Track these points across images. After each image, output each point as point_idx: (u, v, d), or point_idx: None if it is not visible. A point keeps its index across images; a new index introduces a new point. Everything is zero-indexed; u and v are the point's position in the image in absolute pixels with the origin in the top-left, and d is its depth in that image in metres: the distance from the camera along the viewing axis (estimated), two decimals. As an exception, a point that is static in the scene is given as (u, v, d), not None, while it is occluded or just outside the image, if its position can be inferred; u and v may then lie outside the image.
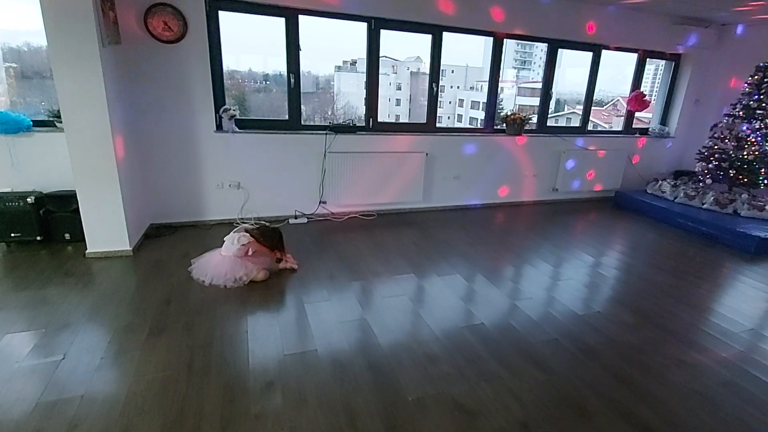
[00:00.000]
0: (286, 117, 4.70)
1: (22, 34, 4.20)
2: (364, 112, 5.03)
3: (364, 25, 4.68)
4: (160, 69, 4.02)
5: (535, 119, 5.92)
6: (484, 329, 2.88)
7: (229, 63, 4.40)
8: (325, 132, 4.72)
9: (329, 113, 6.43)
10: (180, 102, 4.16)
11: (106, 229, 3.64)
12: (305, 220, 4.82)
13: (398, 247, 4.23)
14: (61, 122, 3.48)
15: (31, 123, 3.84)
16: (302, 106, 4.73)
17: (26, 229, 3.73)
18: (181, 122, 4.21)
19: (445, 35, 4.97)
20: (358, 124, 4.98)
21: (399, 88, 8.96)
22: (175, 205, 4.40)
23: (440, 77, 5.23)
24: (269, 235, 3.55)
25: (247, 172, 4.56)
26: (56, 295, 3.05)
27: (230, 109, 4.33)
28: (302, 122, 4.74)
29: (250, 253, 3.41)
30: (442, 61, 5.14)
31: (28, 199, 3.68)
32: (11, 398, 2.10)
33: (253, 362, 2.44)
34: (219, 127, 4.38)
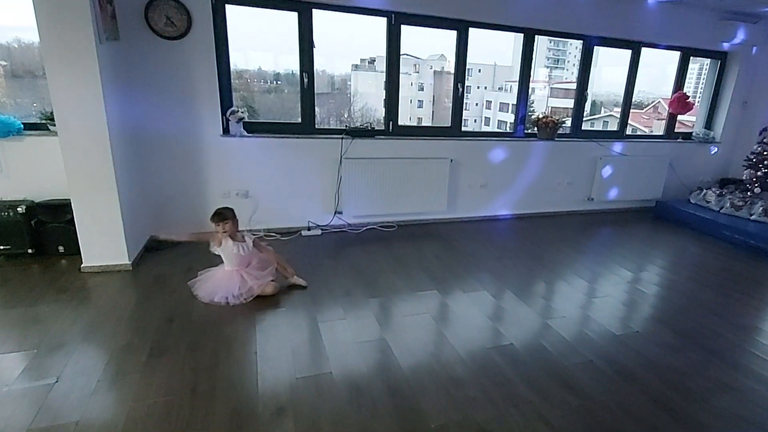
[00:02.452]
0: (299, 120, 4.69)
1: (12, 30, 4.21)
2: (384, 115, 5.01)
3: (383, 21, 4.67)
4: (162, 67, 4.02)
5: (569, 122, 5.87)
6: (513, 350, 2.86)
7: (236, 61, 4.41)
8: (341, 136, 4.70)
9: (345, 116, 6.41)
10: (183, 103, 4.16)
11: (103, 242, 3.62)
12: (319, 232, 4.79)
13: (420, 261, 4.20)
14: (54, 125, 3.48)
15: (22, 126, 3.84)
16: (316, 108, 4.72)
17: (16, 241, 3.73)
18: (184, 125, 4.21)
19: (472, 31, 4.95)
20: (376, 128, 4.95)
21: (421, 89, 8.94)
22: (177, 215, 4.38)
23: (466, 77, 5.20)
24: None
25: (255, 180, 4.54)
26: (49, 312, 3.03)
27: (238, 111, 4.32)
28: (316, 125, 4.73)
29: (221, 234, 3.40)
30: (469, 60, 5.11)
31: (19, 209, 3.68)
32: (1, 425, 2.07)
33: (262, 386, 2.41)
34: (226, 130, 4.37)
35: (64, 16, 3.13)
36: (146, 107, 4.04)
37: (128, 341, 2.74)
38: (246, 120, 4.42)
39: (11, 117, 3.80)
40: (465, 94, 5.23)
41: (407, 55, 5.38)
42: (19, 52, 4.32)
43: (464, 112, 5.30)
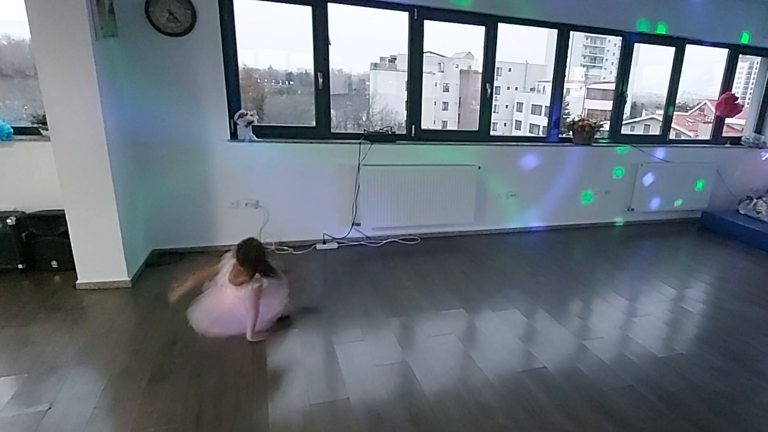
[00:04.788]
0: (313, 123, 4.66)
1: (1, 26, 4.21)
2: (405, 118, 4.97)
3: (405, 15, 4.62)
4: (164, 66, 4.00)
5: (607, 126, 5.79)
6: (546, 374, 2.82)
7: (245, 60, 4.40)
8: (359, 141, 4.66)
9: (364, 119, 6.38)
10: (188, 105, 4.13)
11: (99, 256, 3.58)
12: (335, 245, 4.75)
13: (445, 277, 4.16)
14: (46, 129, 3.47)
15: (12, 130, 3.82)
16: (332, 111, 4.69)
17: (5, 255, 3.72)
18: (188, 129, 4.18)
19: (501, 27, 4.89)
20: (397, 132, 4.92)
21: (446, 90, 8.90)
22: (181, 227, 4.34)
23: (495, 76, 5.14)
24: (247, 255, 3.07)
25: (266, 189, 4.51)
26: (41, 333, 3.00)
27: (247, 114, 4.29)
28: (332, 130, 4.69)
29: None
30: (498, 58, 5.06)
31: (8, 221, 3.67)
32: None
33: (273, 413, 2.38)
34: (234, 135, 4.34)
35: (57, 10, 3.10)
36: (147, 109, 4.01)
37: (127, 365, 2.71)
38: (256, 124, 4.38)
39: (0, 120, 3.80)
40: (494, 96, 5.17)
41: (431, 53, 5.35)
42: (8, 49, 4.33)
43: (493, 115, 5.24)
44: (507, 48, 5.03)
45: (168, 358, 2.78)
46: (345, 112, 5.91)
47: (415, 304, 3.61)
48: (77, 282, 3.60)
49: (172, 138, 4.14)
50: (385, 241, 4.94)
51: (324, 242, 4.76)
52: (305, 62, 4.54)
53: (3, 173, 3.84)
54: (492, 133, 5.25)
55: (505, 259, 4.68)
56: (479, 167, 5.04)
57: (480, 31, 4.85)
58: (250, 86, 4.94)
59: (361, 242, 4.87)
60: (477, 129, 5.20)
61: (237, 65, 4.29)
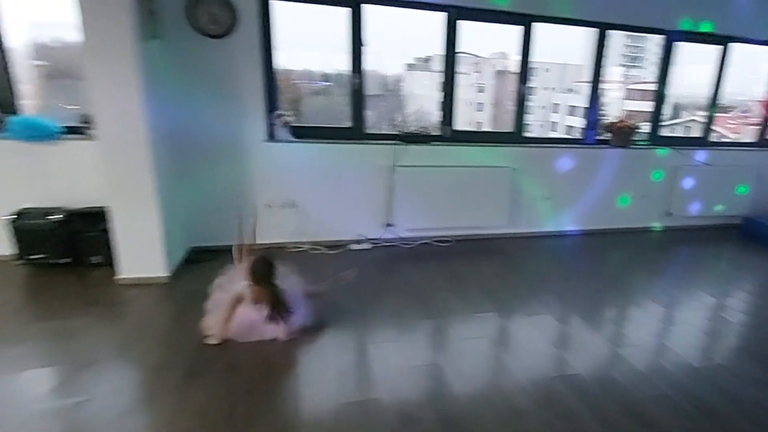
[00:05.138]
0: (348, 124, 4.64)
1: (53, 28, 4.29)
2: (440, 119, 4.90)
3: (440, 16, 4.57)
4: (204, 68, 4.03)
5: (646, 128, 5.60)
6: (580, 380, 2.78)
7: (283, 61, 4.38)
8: (393, 142, 4.63)
9: (398, 120, 6.32)
10: (226, 106, 4.15)
11: (139, 252, 3.63)
12: (369, 246, 4.73)
13: (478, 279, 4.10)
14: (92, 129, 3.51)
15: (60, 129, 3.91)
16: (367, 112, 4.67)
17: (51, 249, 3.76)
18: (227, 129, 4.20)
19: (538, 26, 4.79)
20: (432, 133, 4.87)
21: (481, 90, 8.76)
22: (218, 225, 4.34)
23: (531, 77, 5.04)
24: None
25: (301, 189, 4.50)
26: (82, 326, 3.06)
27: (284, 114, 4.31)
28: (367, 130, 4.67)
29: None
30: (534, 58, 4.96)
31: (54, 217, 3.74)
32: None
33: (304, 411, 2.41)
34: (270, 135, 4.35)
35: (106, 14, 3.15)
36: (187, 110, 4.05)
37: (163, 360, 2.74)
38: (292, 124, 4.39)
39: (49, 120, 3.88)
40: (529, 96, 5.08)
41: (466, 53, 5.25)
42: (59, 52, 4.42)
43: (528, 116, 5.14)
44: (544, 48, 4.91)
45: (202, 354, 2.80)
46: (380, 112, 5.86)
47: (448, 307, 3.57)
48: (117, 277, 3.65)
49: (211, 138, 4.17)
50: (418, 242, 4.89)
51: (358, 243, 4.74)
52: (341, 63, 4.52)
53: (52, 171, 3.92)
54: (526, 134, 5.14)
55: (538, 263, 4.60)
56: (513, 169, 4.95)
57: (516, 30, 4.75)
58: (288, 87, 4.93)
59: (395, 243, 4.82)
60: (511, 130, 5.10)
61: (275, 66, 4.30)
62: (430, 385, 2.65)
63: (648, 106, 5.65)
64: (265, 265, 2.95)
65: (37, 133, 3.79)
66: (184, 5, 3.84)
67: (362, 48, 4.41)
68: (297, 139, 4.39)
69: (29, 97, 4.15)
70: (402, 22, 4.78)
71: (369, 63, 4.50)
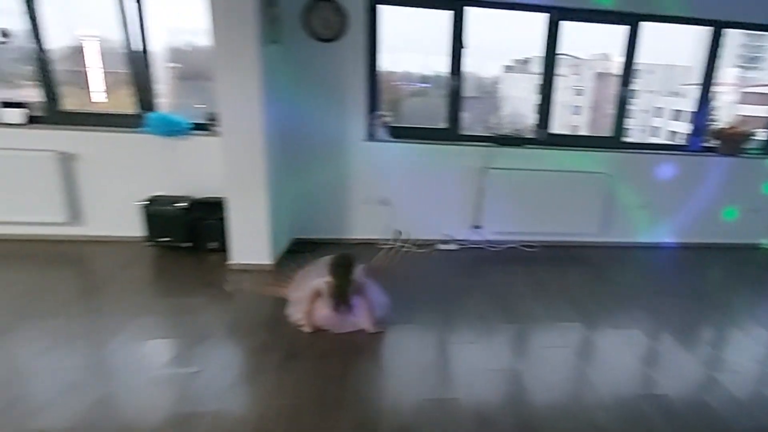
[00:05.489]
0: (444, 125, 4.68)
1: (186, 33, 4.71)
2: (535, 121, 4.82)
3: (542, 17, 4.47)
4: (313, 70, 4.22)
5: (762, 135, 5.14)
6: (668, 402, 2.62)
7: (385, 63, 4.49)
8: (486, 144, 4.60)
9: (493, 122, 6.28)
10: (331, 106, 4.33)
11: (249, 241, 3.88)
12: (455, 246, 4.71)
13: (564, 288, 3.99)
14: (217, 126, 3.79)
15: (190, 126, 4.24)
16: (463, 113, 4.68)
17: (177, 234, 4.11)
18: (330, 128, 4.38)
19: (645, 26, 4.54)
20: (525, 136, 4.79)
21: (579, 93, 8.40)
22: (318, 219, 4.57)
23: (634, 79, 4.80)
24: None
25: (395, 187, 4.59)
26: (198, 304, 3.35)
27: (383, 115, 4.43)
28: (461, 132, 4.68)
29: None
30: (638, 60, 4.72)
31: (181, 204, 4.08)
32: (149, 406, 2.36)
33: (387, 402, 2.49)
34: (370, 134, 4.48)
35: (234, 21, 3.40)
36: (297, 109, 4.24)
37: (265, 341, 2.94)
38: (390, 124, 4.50)
39: (180, 117, 4.23)
40: (631, 100, 4.85)
41: (566, 54, 5.10)
42: (191, 55, 4.83)
43: (628, 120, 4.91)
44: (649, 49, 4.65)
45: (299, 339, 2.97)
46: (475, 114, 5.83)
47: (531, 313, 3.52)
48: (229, 262, 3.93)
49: (316, 136, 4.35)
50: (504, 246, 4.79)
51: (444, 242, 4.74)
52: (440, 65, 4.56)
53: (180, 163, 4.25)
54: (625, 139, 4.92)
55: (630, 275, 4.39)
56: (609, 175, 4.75)
57: (621, 30, 4.53)
58: (388, 88, 5.06)
59: (481, 245, 4.76)
60: (609, 135, 4.91)
61: (378, 68, 4.41)
62: (508, 390, 2.64)
63: (765, 111, 5.18)
64: (343, 262, 3.06)
65: (171, 129, 4.13)
66: (301, 11, 4.03)
67: (462, 50, 4.42)
68: (394, 139, 4.49)
69: (164, 96, 4.53)
70: (502, 24, 4.74)
71: (468, 65, 4.53)
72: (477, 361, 2.87)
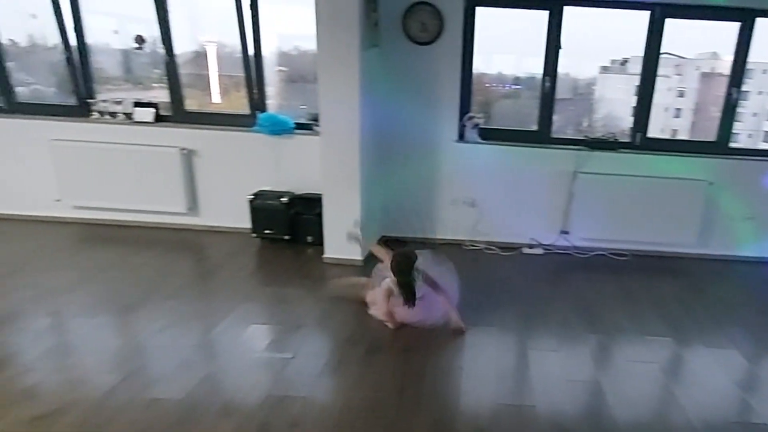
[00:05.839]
0: (534, 127, 4.59)
1: (293, 38, 4.96)
2: (631, 125, 4.61)
3: (644, 14, 4.24)
4: (409, 72, 4.30)
5: None
6: None
7: (478, 65, 4.48)
8: (578, 147, 4.45)
9: (585, 124, 6.05)
10: (425, 107, 4.38)
11: (342, 236, 3.94)
12: (541, 251, 4.61)
13: (655, 300, 3.80)
14: (318, 126, 3.98)
15: (294, 125, 4.47)
16: (554, 115, 4.57)
17: (278, 227, 4.32)
18: (423, 129, 4.43)
19: (762, 21, 4.16)
20: (620, 140, 4.58)
21: (681, 95, 7.77)
22: (406, 218, 4.59)
23: (745, 80, 4.45)
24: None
25: (482, 189, 4.56)
26: (294, 295, 3.57)
27: (475, 116, 4.41)
28: (552, 134, 4.58)
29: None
30: (753, 58, 4.34)
31: (283, 199, 4.28)
32: (248, 386, 2.54)
33: (464, 403, 2.50)
34: (461, 136, 4.49)
35: (338, 27, 3.54)
36: (391, 110, 4.32)
37: (352, 333, 3.08)
38: (481, 126, 4.48)
39: (286, 117, 4.46)
40: (740, 102, 4.48)
41: (669, 54, 4.81)
42: (296, 58, 5.10)
43: (737, 124, 4.54)
44: (764, 47, 4.27)
45: (383, 334, 3.08)
46: (567, 116, 5.62)
47: (617, 324, 3.38)
48: (324, 256, 4.12)
49: (408, 136, 4.43)
50: (592, 253, 4.62)
51: (531, 247, 4.64)
52: (533, 66, 4.48)
53: (285, 160, 4.48)
54: (732, 145, 4.56)
55: (729, 291, 4.07)
56: (711, 183, 4.42)
57: (732, 27, 4.22)
58: (480, 90, 5.02)
59: (568, 251, 4.63)
60: (713, 139, 4.57)
61: (471, 70, 4.40)
62: (588, 402, 2.58)
63: None
64: (404, 259, 3.07)
65: (278, 128, 4.37)
66: (399, 15, 4.11)
67: (558, 51, 4.31)
68: (484, 141, 4.47)
69: (273, 97, 4.81)
70: (600, 23, 4.56)
71: (562, 66, 4.40)
72: (557, 370, 2.82)
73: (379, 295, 3.18)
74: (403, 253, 3.14)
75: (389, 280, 3.10)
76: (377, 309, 3.25)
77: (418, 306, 3.08)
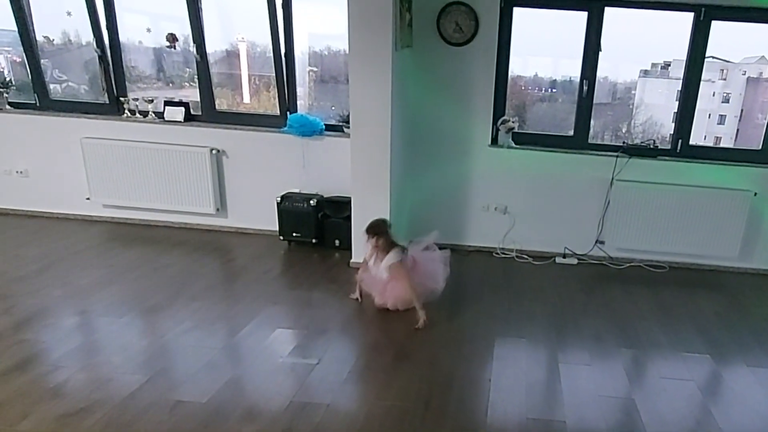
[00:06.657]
0: (570, 132, 4.52)
1: (325, 38, 4.97)
2: (672, 131, 4.49)
3: (688, 16, 4.13)
4: (443, 74, 4.26)
5: None
6: None
7: (514, 67, 4.42)
8: (616, 154, 4.33)
9: (623, 130, 5.92)
10: (458, 110, 4.34)
11: None
12: (575, 261, 4.53)
13: (693, 315, 3.70)
14: (348, 127, 3.97)
15: (324, 127, 4.47)
16: (591, 120, 4.48)
17: (305, 230, 4.35)
18: (455, 133, 4.40)
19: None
20: (660, 147, 4.46)
21: (726, 101, 7.53)
22: (435, 223, 4.45)
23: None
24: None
25: (515, 195, 4.51)
26: (320, 299, 3.59)
27: (509, 120, 4.34)
28: (589, 140, 4.49)
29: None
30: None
31: (311, 202, 4.29)
32: (272, 391, 2.55)
33: (491, 416, 2.45)
34: (494, 140, 4.44)
35: (371, 27, 3.51)
36: (423, 112, 4.30)
37: (377, 340, 3.09)
38: (515, 130, 4.41)
39: (316, 118, 4.47)
40: (790, 109, 4.31)
41: (714, 57, 4.66)
42: (327, 59, 5.11)
43: (785, 131, 4.37)
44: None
45: (410, 342, 3.06)
46: (604, 122, 5.50)
47: (653, 339, 3.31)
48: (351, 260, 4.10)
49: (440, 139, 4.40)
50: (628, 264, 4.52)
51: (564, 256, 4.56)
52: (571, 70, 4.43)
53: (314, 162, 4.49)
54: (782, 153, 4.37)
55: None
56: (755, 194, 4.26)
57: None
58: (515, 93, 4.95)
59: (603, 262, 4.54)
60: (759, 148, 4.43)
61: (507, 73, 4.36)
62: (620, 420, 2.52)
63: None
64: (378, 222, 3.38)
65: (308, 129, 4.38)
66: (433, 15, 4.08)
67: (597, 53, 4.23)
68: (518, 146, 4.40)
69: (303, 98, 4.82)
70: (641, 25, 4.46)
71: (601, 69, 4.32)
72: (589, 385, 2.77)
73: (399, 275, 3.30)
74: (375, 220, 3.44)
75: (391, 257, 3.26)
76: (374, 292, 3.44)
77: (384, 276, 3.28)
